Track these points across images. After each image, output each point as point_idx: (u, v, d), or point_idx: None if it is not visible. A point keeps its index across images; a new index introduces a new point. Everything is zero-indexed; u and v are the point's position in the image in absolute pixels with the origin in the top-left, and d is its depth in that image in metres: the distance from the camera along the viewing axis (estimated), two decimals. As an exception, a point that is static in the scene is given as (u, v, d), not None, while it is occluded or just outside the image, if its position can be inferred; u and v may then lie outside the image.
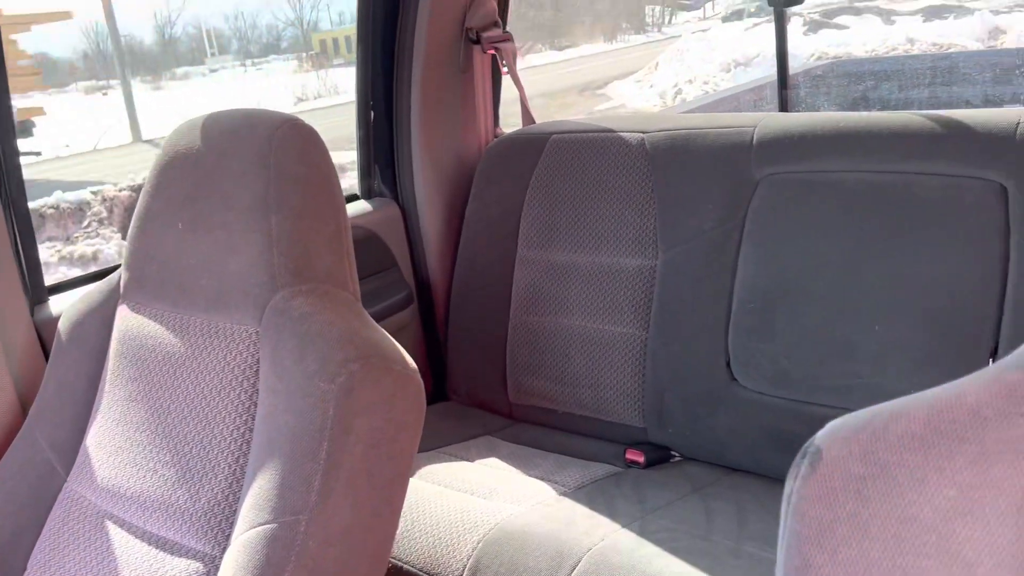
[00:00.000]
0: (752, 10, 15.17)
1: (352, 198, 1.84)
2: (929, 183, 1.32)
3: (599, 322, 1.62)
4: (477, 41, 1.79)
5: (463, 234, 1.81)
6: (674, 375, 1.53)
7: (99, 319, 1.14)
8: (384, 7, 1.72)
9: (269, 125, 1.00)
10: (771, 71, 9.39)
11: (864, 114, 1.45)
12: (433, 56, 1.75)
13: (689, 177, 1.54)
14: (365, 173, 1.84)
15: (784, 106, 1.69)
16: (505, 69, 1.84)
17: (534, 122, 1.89)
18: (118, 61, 13.18)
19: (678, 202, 1.55)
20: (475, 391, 1.79)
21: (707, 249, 1.50)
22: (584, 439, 1.63)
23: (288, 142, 0.99)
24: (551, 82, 14.54)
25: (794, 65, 9.81)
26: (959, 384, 0.50)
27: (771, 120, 1.50)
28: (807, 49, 10.60)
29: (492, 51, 1.81)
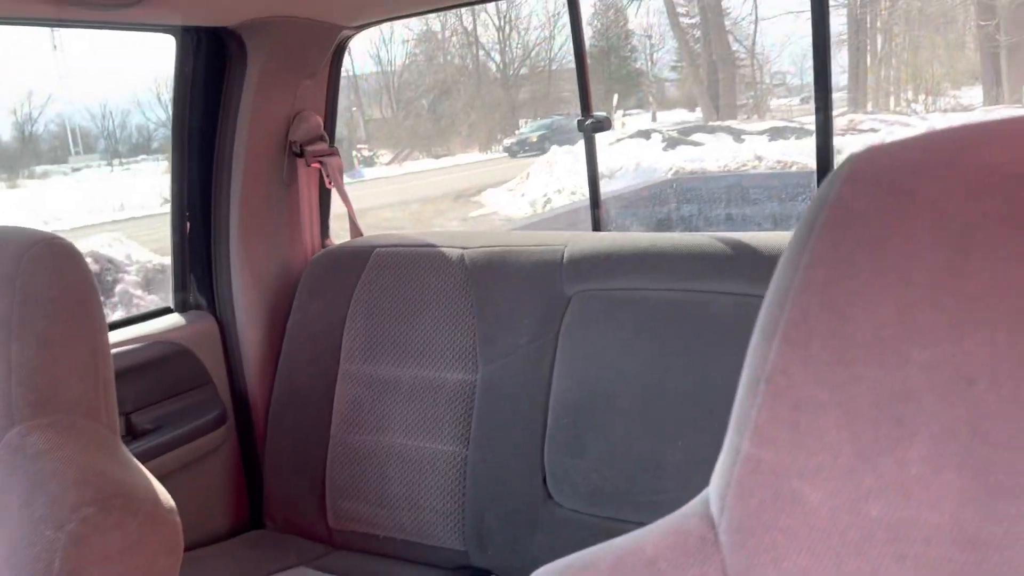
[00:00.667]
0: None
1: (165, 311, 1.75)
2: (723, 301, 1.37)
3: (420, 439, 1.57)
4: (301, 154, 1.77)
5: (284, 348, 1.74)
6: (494, 494, 1.49)
7: None
8: (201, 116, 1.69)
9: (20, 244, 0.93)
10: (633, 182, 9.93)
11: (664, 235, 1.52)
12: (254, 167, 1.72)
13: (506, 292, 1.55)
14: (180, 285, 1.75)
15: (596, 226, 1.75)
16: (331, 183, 1.83)
17: (361, 235, 1.87)
18: (-35, 157, 12.45)
19: (496, 317, 1.55)
20: (292, 516, 1.68)
21: (523, 364, 1.50)
22: (405, 566, 1.55)
23: (40, 262, 0.92)
24: (427, 189, 14.79)
25: (653, 178, 10.43)
26: (645, 532, 0.48)
27: (580, 239, 1.55)
28: (665, 164, 11.29)
29: (317, 165, 1.80)
